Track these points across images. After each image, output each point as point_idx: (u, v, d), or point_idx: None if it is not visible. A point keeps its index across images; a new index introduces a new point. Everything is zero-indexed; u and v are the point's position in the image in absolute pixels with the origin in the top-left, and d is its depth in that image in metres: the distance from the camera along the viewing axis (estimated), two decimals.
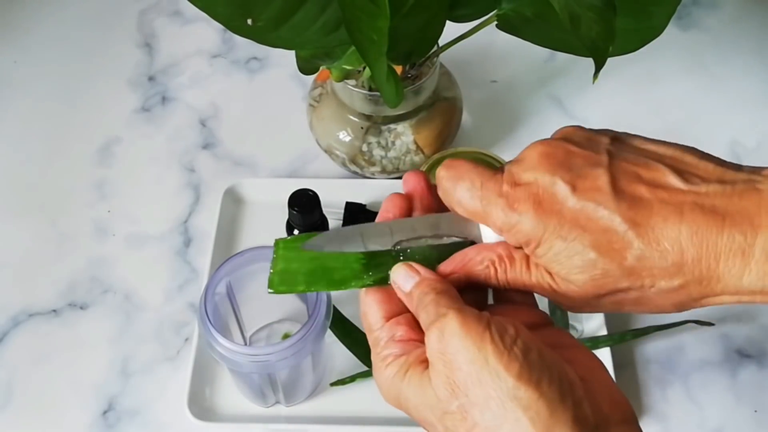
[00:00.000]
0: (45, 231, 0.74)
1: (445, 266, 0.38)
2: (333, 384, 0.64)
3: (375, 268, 0.37)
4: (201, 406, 0.62)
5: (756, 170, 0.34)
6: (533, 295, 0.39)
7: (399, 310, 0.37)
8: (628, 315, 0.68)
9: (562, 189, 0.34)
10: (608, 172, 0.34)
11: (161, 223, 0.75)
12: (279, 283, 0.38)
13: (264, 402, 0.62)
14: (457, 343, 0.32)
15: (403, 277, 0.37)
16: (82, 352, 0.67)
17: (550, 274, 0.36)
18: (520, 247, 0.36)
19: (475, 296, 0.38)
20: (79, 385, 0.65)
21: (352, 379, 0.63)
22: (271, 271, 0.38)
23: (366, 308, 0.38)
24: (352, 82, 0.67)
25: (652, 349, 0.67)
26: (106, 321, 0.69)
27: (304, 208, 0.64)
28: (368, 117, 0.70)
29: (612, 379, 0.35)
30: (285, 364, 0.54)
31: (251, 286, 0.59)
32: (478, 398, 0.32)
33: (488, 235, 0.38)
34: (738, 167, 0.34)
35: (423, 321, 0.35)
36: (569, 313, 0.64)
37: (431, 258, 0.38)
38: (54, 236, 0.74)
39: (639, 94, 0.83)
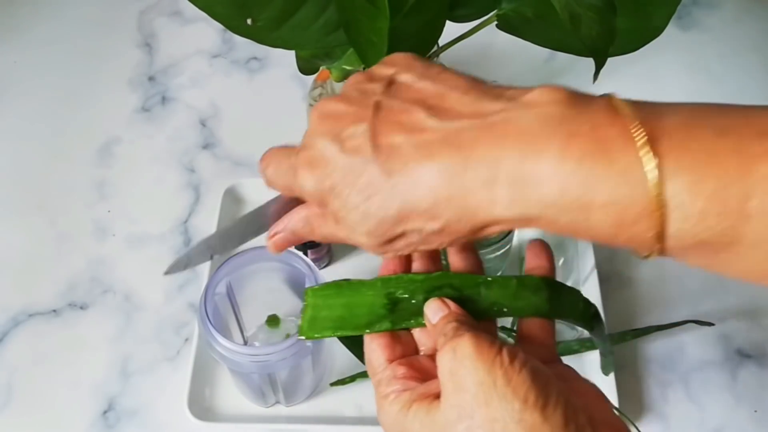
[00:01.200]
0: (45, 231, 0.74)
1: (276, 225, 0.40)
2: (333, 384, 0.64)
3: (397, 313, 0.39)
4: (201, 406, 0.62)
5: (514, 96, 0.33)
6: (553, 335, 0.41)
7: (401, 354, 0.39)
8: (628, 315, 0.68)
9: (330, 151, 0.35)
10: (370, 128, 0.34)
11: (161, 223, 0.75)
12: (308, 330, 0.40)
13: (264, 402, 0.62)
14: (468, 364, 0.33)
15: (434, 310, 0.38)
16: (82, 352, 0.67)
17: (350, 227, 0.37)
18: None
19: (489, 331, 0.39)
20: (79, 385, 0.65)
21: (352, 379, 0.63)
22: (301, 317, 0.40)
23: (370, 353, 0.39)
24: None
25: (652, 349, 0.67)
26: (106, 321, 0.69)
27: None
28: None
29: (614, 410, 0.36)
30: (285, 364, 0.54)
31: (251, 286, 0.59)
32: (483, 421, 0.32)
33: None
34: (499, 95, 0.34)
35: (439, 344, 0.35)
36: None
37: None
38: (54, 236, 0.74)
39: (639, 94, 0.83)
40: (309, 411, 0.63)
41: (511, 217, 0.33)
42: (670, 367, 0.66)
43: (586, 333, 0.65)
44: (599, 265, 0.68)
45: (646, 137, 0.30)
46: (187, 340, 0.67)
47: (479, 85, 0.35)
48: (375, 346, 0.39)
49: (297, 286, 0.60)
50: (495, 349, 0.33)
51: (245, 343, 0.65)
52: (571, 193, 0.31)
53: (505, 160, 0.31)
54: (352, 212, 0.35)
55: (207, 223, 0.73)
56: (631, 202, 0.30)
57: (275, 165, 0.39)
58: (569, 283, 0.65)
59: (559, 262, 0.66)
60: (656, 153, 0.30)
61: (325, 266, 0.70)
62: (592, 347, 0.64)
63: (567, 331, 0.64)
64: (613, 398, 0.61)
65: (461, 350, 0.33)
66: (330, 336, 0.40)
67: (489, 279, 0.39)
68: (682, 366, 0.66)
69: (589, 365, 0.64)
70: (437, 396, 0.35)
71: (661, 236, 0.30)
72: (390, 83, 0.37)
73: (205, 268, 0.69)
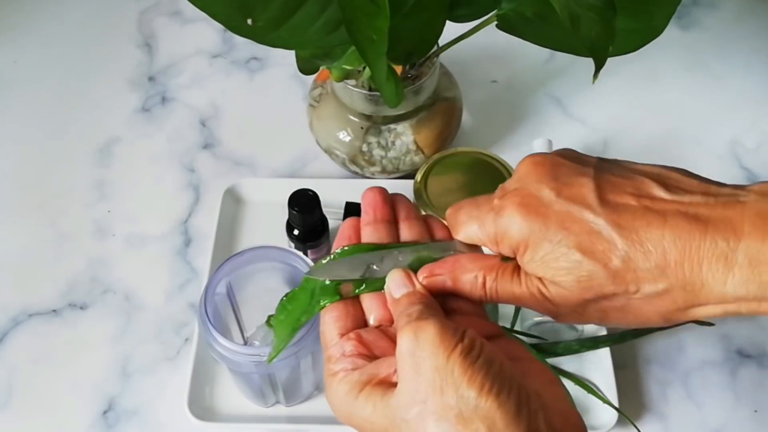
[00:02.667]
0: (45, 231, 0.74)
1: (436, 267, 0.39)
2: None
3: (315, 298, 0.41)
4: (201, 406, 0.62)
5: (740, 186, 0.34)
6: (482, 306, 0.40)
7: (352, 327, 0.38)
8: None
9: (547, 194, 0.35)
10: (594, 181, 0.35)
11: (161, 223, 0.75)
12: (275, 356, 0.43)
13: (264, 402, 0.62)
14: (428, 348, 0.33)
15: (398, 284, 0.38)
16: (82, 352, 0.67)
17: (540, 279, 0.36)
18: (512, 259, 0.38)
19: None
20: (79, 385, 0.65)
21: None
22: (272, 347, 0.43)
23: (323, 326, 0.39)
24: (352, 82, 0.67)
25: (652, 349, 0.67)
26: (106, 321, 0.69)
27: (304, 208, 0.64)
28: (368, 117, 0.70)
29: (566, 394, 0.35)
30: (285, 364, 0.54)
31: (251, 286, 0.59)
32: (437, 407, 0.32)
33: None
34: (722, 184, 0.35)
35: (400, 323, 0.35)
36: None
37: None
38: (54, 236, 0.74)
39: (639, 94, 0.83)
40: (309, 411, 0.63)
41: (743, 295, 0.32)
42: (670, 367, 0.66)
43: (586, 333, 0.65)
44: None
45: None
46: (187, 340, 0.67)
47: (699, 175, 0.36)
48: (327, 319, 0.39)
49: (297, 286, 0.59)
50: (457, 337, 0.33)
51: (245, 343, 0.64)
52: None
53: (745, 237, 0.32)
54: (561, 259, 0.34)
55: (207, 223, 0.73)
56: None
57: (467, 210, 0.38)
58: None
59: None
60: None
61: None
62: (593, 347, 0.64)
63: (567, 331, 0.64)
64: (613, 398, 0.61)
65: (423, 334, 0.33)
66: (288, 342, 0.42)
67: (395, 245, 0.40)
68: (682, 366, 0.66)
69: (589, 365, 0.64)
70: (388, 381, 0.34)
71: None
72: (604, 159, 0.37)
73: (205, 268, 0.69)
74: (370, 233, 0.41)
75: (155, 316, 0.69)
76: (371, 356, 0.37)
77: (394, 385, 0.34)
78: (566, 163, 0.36)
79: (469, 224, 0.38)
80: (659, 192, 0.34)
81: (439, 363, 0.32)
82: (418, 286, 0.38)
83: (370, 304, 0.39)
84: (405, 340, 0.34)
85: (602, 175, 0.35)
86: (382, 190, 0.42)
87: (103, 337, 0.68)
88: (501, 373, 0.32)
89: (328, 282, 0.40)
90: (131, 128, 0.82)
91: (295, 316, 0.42)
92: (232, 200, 0.74)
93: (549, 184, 0.35)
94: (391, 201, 0.42)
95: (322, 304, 0.40)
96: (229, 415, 0.63)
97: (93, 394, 0.65)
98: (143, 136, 0.82)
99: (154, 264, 0.72)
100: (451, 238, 0.41)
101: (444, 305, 0.39)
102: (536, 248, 0.35)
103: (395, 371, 0.34)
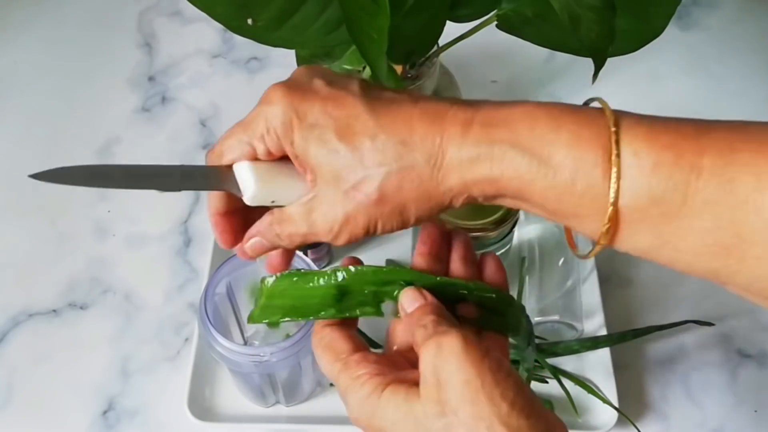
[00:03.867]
0: (45, 231, 0.74)
1: (249, 232, 0.40)
2: (333, 384, 0.64)
3: (345, 302, 0.40)
4: (201, 406, 0.62)
5: None
6: (507, 344, 0.41)
7: (366, 348, 0.39)
8: (628, 315, 0.68)
9: (317, 83, 0.36)
10: (359, 81, 0.37)
11: (161, 223, 0.75)
12: (258, 316, 0.42)
13: (264, 402, 0.62)
14: (455, 362, 0.33)
15: (410, 299, 0.38)
16: (82, 352, 0.67)
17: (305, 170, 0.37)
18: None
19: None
20: (79, 385, 0.65)
21: None
22: (255, 304, 0.42)
23: (333, 342, 0.39)
24: None
25: (652, 349, 0.67)
26: (106, 321, 0.69)
27: None
28: None
29: None
30: (285, 364, 0.54)
31: (251, 286, 0.59)
32: (467, 418, 0.32)
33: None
34: None
35: (419, 337, 0.35)
36: (569, 314, 0.64)
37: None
38: (54, 236, 0.74)
39: (639, 94, 0.83)
40: (309, 411, 0.63)
41: (475, 155, 0.33)
42: (670, 367, 0.66)
43: (586, 333, 0.65)
44: (599, 265, 0.68)
45: (613, 111, 0.33)
46: (187, 340, 0.67)
47: None
48: (338, 336, 0.39)
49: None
50: (483, 350, 0.33)
51: (245, 343, 0.65)
52: (537, 131, 0.33)
53: (483, 107, 0.35)
54: (323, 147, 0.35)
55: (207, 223, 0.73)
56: (591, 144, 0.32)
57: (226, 136, 0.38)
58: (569, 283, 0.65)
59: (559, 262, 0.66)
60: (619, 118, 0.32)
61: (325, 266, 0.70)
62: (593, 347, 0.64)
63: (567, 331, 0.64)
64: (613, 398, 0.61)
65: (448, 347, 0.33)
66: (278, 321, 0.41)
67: (438, 279, 0.39)
68: (682, 366, 0.66)
69: (589, 365, 0.64)
70: (415, 383, 0.34)
71: (616, 188, 0.31)
72: None
73: (205, 268, 0.69)
74: (420, 262, 0.41)
75: (155, 316, 0.69)
76: (391, 371, 0.37)
77: (417, 385, 0.34)
78: (337, 72, 0.38)
79: (237, 137, 0.38)
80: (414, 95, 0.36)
81: (468, 375, 0.32)
82: (429, 299, 0.38)
83: (394, 330, 0.40)
84: (429, 354, 0.34)
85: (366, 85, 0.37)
86: (440, 228, 0.43)
87: (103, 337, 0.68)
88: (531, 399, 0.33)
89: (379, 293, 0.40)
90: (131, 128, 0.82)
91: (304, 307, 0.41)
92: None
93: (321, 77, 0.37)
94: (448, 237, 0.43)
95: (362, 313, 0.40)
96: (229, 415, 0.63)
97: (93, 394, 0.65)
98: (143, 136, 0.82)
99: (154, 264, 0.72)
100: (502, 283, 0.41)
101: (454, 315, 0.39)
102: (300, 131, 0.36)
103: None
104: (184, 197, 0.76)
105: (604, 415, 0.61)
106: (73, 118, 0.83)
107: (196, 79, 0.87)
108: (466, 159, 0.34)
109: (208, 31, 0.90)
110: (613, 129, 0.32)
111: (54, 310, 0.69)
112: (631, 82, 0.83)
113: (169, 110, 0.84)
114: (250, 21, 0.50)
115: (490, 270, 0.42)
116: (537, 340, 0.64)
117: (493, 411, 0.32)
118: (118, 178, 0.39)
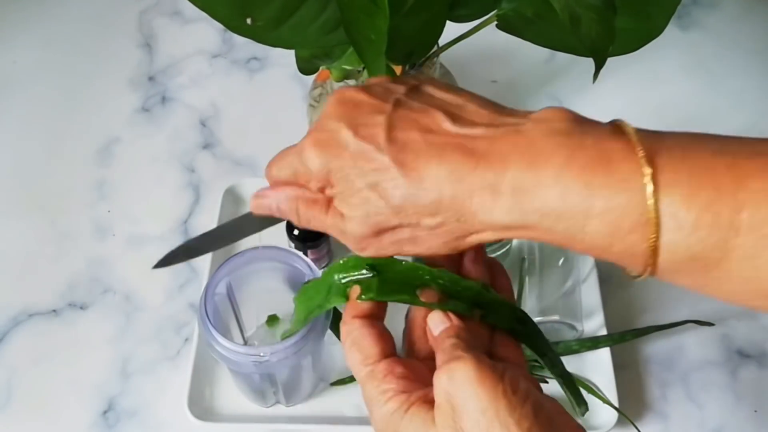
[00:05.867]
0: (45, 231, 0.74)
1: (265, 190, 0.42)
2: (333, 384, 0.64)
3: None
4: (201, 406, 0.62)
5: (527, 114, 0.36)
6: (523, 355, 0.40)
7: (390, 352, 0.39)
8: (628, 315, 0.68)
9: (344, 135, 0.37)
10: (387, 120, 0.36)
11: (161, 223, 0.75)
12: (297, 324, 0.48)
13: (264, 402, 0.62)
14: (469, 389, 0.33)
15: (436, 323, 0.38)
16: (82, 352, 0.67)
17: (341, 215, 0.38)
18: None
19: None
20: (79, 385, 0.65)
21: (352, 379, 0.63)
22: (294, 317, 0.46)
23: (361, 340, 0.38)
24: (352, 82, 0.67)
25: (652, 349, 0.67)
26: (106, 321, 0.69)
27: None
28: None
29: None
30: (285, 364, 0.54)
31: (251, 286, 0.59)
32: None
33: None
34: (513, 113, 0.36)
35: (438, 360, 0.35)
36: (569, 314, 0.64)
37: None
38: (54, 236, 0.74)
39: (639, 94, 0.83)
40: (309, 411, 0.63)
41: (509, 223, 0.34)
42: (670, 367, 0.66)
43: (586, 333, 0.65)
44: (599, 265, 0.68)
45: (644, 152, 0.32)
46: (187, 340, 0.67)
47: (496, 104, 0.38)
48: (366, 334, 0.38)
49: (297, 286, 0.59)
50: (497, 375, 0.33)
51: (245, 343, 0.64)
52: (570, 200, 0.32)
53: (511, 167, 0.33)
54: (355, 196, 0.36)
55: (207, 223, 0.73)
56: (627, 211, 0.31)
57: (279, 158, 0.40)
58: (569, 283, 0.65)
59: (559, 262, 0.66)
60: (654, 165, 0.31)
61: (325, 266, 0.70)
62: (593, 347, 0.64)
63: (567, 331, 0.64)
64: (613, 398, 0.61)
65: (461, 373, 0.33)
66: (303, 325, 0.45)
67: (442, 278, 0.40)
68: (682, 366, 0.66)
69: (589, 365, 0.64)
70: (433, 400, 0.35)
71: (654, 248, 0.31)
72: (413, 88, 0.39)
73: (205, 268, 0.69)
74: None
75: (155, 316, 0.69)
76: (419, 382, 0.37)
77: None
78: (367, 101, 0.38)
79: (281, 169, 0.40)
80: (446, 125, 0.36)
81: (483, 404, 0.32)
82: (455, 322, 0.38)
83: (419, 341, 0.40)
84: (442, 380, 0.34)
85: (399, 111, 0.37)
86: None
87: (103, 337, 0.68)
88: (549, 422, 0.32)
89: (342, 281, 0.40)
90: (131, 128, 0.82)
91: (312, 303, 0.43)
92: (232, 200, 0.74)
93: (348, 123, 0.37)
94: None
95: (332, 302, 0.41)
96: (229, 415, 0.63)
97: (93, 394, 0.65)
98: (143, 136, 0.82)
99: (154, 264, 0.72)
100: (507, 291, 0.42)
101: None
102: (337, 185, 0.37)
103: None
104: (184, 197, 0.76)
105: (604, 415, 0.61)
106: (73, 118, 0.83)
107: (196, 79, 0.87)
108: (498, 225, 0.34)
109: (208, 31, 0.90)
110: (650, 189, 0.31)
111: (54, 310, 0.69)
112: (631, 82, 0.83)
113: (169, 110, 0.84)
114: (249, 21, 0.50)
115: (497, 280, 0.42)
116: None
117: None
118: (210, 243, 0.46)
